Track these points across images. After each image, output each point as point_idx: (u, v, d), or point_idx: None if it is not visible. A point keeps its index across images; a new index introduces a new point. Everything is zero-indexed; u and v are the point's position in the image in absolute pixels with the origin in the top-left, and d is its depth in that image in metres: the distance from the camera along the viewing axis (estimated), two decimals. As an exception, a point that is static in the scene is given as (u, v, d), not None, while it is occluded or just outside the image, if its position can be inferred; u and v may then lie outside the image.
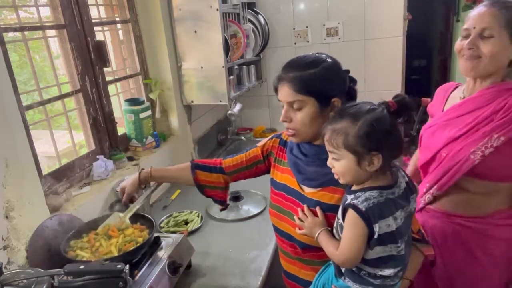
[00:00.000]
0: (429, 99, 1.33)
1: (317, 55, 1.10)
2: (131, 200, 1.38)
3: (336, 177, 1.01)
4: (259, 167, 1.30)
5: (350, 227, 0.95)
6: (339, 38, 2.68)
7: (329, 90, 1.06)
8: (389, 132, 0.94)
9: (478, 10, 1.18)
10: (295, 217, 1.12)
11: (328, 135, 0.97)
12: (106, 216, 1.33)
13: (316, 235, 1.05)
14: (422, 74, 6.22)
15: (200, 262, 1.41)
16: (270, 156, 1.28)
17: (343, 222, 0.98)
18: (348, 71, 1.13)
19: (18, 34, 1.41)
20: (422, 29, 5.58)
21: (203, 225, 1.66)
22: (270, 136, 1.32)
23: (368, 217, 0.93)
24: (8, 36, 1.36)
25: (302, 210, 1.10)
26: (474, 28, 1.17)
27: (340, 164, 0.97)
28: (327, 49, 2.70)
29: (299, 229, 1.10)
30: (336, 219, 1.04)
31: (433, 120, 1.38)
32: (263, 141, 1.32)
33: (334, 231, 1.05)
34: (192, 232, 1.61)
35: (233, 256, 1.43)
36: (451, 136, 1.25)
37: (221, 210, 1.54)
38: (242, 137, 2.79)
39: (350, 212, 0.95)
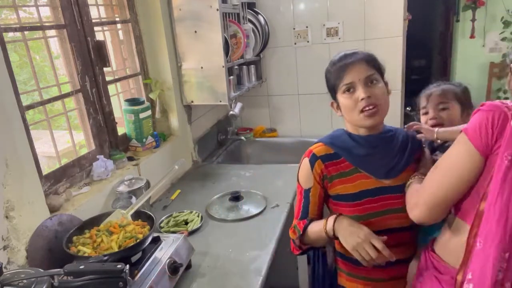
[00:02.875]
0: None
1: None
2: None
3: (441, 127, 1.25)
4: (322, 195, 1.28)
5: None
6: (339, 38, 2.68)
7: None
8: None
9: None
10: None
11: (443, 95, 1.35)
12: (109, 213, 1.33)
13: None
14: (422, 74, 6.22)
15: (200, 262, 1.41)
16: (325, 180, 1.24)
17: None
18: None
19: (18, 34, 1.41)
20: (422, 29, 5.58)
21: (203, 225, 1.66)
22: (304, 165, 1.26)
23: None
24: (8, 36, 1.36)
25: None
26: None
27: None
28: (327, 49, 2.70)
29: None
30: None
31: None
32: (306, 175, 1.25)
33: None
34: (192, 232, 1.61)
35: (233, 256, 1.43)
36: None
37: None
38: (242, 137, 2.79)
39: None
